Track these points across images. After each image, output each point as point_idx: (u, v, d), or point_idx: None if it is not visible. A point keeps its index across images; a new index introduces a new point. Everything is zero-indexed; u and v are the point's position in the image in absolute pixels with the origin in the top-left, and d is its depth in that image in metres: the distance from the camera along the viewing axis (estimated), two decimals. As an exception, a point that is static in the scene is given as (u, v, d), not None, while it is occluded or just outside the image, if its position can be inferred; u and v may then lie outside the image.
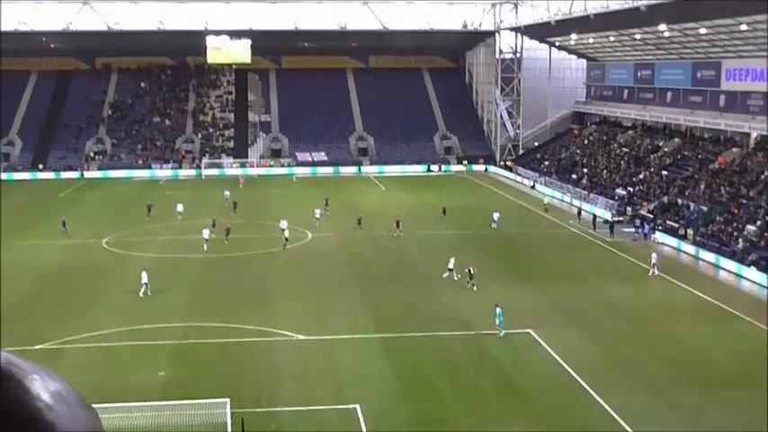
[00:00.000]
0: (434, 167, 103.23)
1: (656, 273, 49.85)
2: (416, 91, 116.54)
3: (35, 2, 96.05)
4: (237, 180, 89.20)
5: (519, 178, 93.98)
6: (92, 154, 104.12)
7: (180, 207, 68.42)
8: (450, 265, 48.06)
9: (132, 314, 41.41)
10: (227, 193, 74.97)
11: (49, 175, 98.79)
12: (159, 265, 52.14)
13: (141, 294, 44.25)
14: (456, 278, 47.45)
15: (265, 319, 40.54)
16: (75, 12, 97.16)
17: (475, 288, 45.51)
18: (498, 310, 37.72)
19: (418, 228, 62.71)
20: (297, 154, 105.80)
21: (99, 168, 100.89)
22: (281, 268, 51.66)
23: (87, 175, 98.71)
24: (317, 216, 64.86)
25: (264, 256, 55.00)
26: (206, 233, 56.47)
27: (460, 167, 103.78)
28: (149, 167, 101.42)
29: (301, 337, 37.99)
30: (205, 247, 55.66)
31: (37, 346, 36.05)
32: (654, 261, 50.47)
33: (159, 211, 68.99)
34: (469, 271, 46.41)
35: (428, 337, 37.65)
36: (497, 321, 37.46)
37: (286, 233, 57.81)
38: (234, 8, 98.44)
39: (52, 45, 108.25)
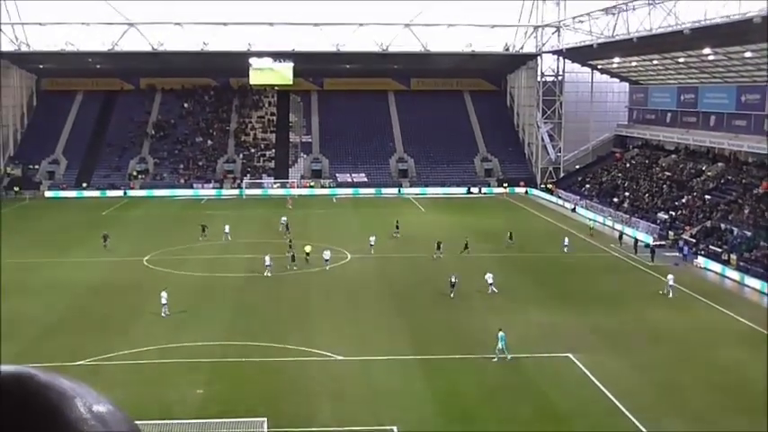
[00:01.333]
0: (474, 189, 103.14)
1: (672, 295, 49.65)
2: (457, 113, 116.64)
3: (82, 23, 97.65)
4: (286, 201, 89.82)
5: (560, 201, 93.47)
6: (134, 173, 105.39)
7: (227, 228, 68.48)
8: (490, 280, 49.55)
9: (172, 332, 41.66)
10: (284, 219, 73.14)
11: (94, 193, 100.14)
12: (201, 285, 52.61)
13: (163, 314, 44.41)
14: (494, 291, 49.11)
15: (304, 338, 40.57)
16: (120, 33, 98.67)
17: (452, 296, 48.49)
18: (501, 333, 37.51)
19: (458, 249, 62.51)
20: (337, 175, 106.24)
21: (141, 187, 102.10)
22: (322, 288, 51.65)
23: (131, 193, 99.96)
24: (372, 243, 62.81)
25: (306, 275, 55.09)
26: (267, 259, 55.12)
27: (501, 190, 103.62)
28: (191, 187, 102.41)
29: (339, 357, 37.97)
30: (267, 273, 54.54)
31: (78, 362, 36.41)
32: (671, 283, 50.35)
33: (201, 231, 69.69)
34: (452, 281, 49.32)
35: (466, 360, 37.44)
36: (500, 345, 37.23)
37: (307, 249, 58.77)
38: (277, 30, 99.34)
39: (98, 66, 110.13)
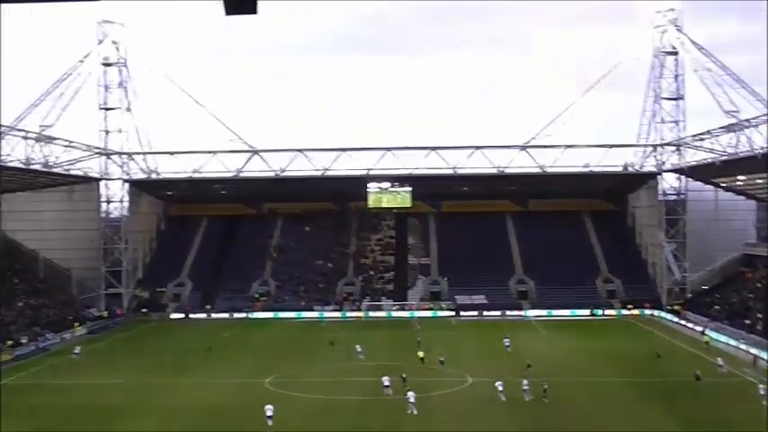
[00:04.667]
0: (598, 311, 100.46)
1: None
2: (577, 234, 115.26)
3: (209, 152, 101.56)
4: (411, 324, 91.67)
5: (688, 324, 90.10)
6: (257, 295, 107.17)
7: (358, 347, 70.14)
8: (386, 383, 53.75)
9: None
10: (506, 340, 73.48)
11: (221, 315, 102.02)
12: (318, 407, 52.06)
13: (269, 424, 45.32)
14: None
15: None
16: (244, 160, 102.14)
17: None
18: None
19: (587, 375, 60.60)
20: (456, 297, 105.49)
21: (263, 309, 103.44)
22: (440, 415, 50.27)
23: (253, 315, 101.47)
24: (525, 387, 53.10)
25: (427, 399, 53.86)
26: (386, 380, 54.63)
27: (626, 312, 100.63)
28: (311, 309, 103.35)
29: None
30: (389, 392, 53.77)
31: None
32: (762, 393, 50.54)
33: (322, 352, 70.18)
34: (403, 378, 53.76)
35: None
36: None
37: (420, 354, 64.75)
38: (395, 155, 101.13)
39: (222, 192, 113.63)
